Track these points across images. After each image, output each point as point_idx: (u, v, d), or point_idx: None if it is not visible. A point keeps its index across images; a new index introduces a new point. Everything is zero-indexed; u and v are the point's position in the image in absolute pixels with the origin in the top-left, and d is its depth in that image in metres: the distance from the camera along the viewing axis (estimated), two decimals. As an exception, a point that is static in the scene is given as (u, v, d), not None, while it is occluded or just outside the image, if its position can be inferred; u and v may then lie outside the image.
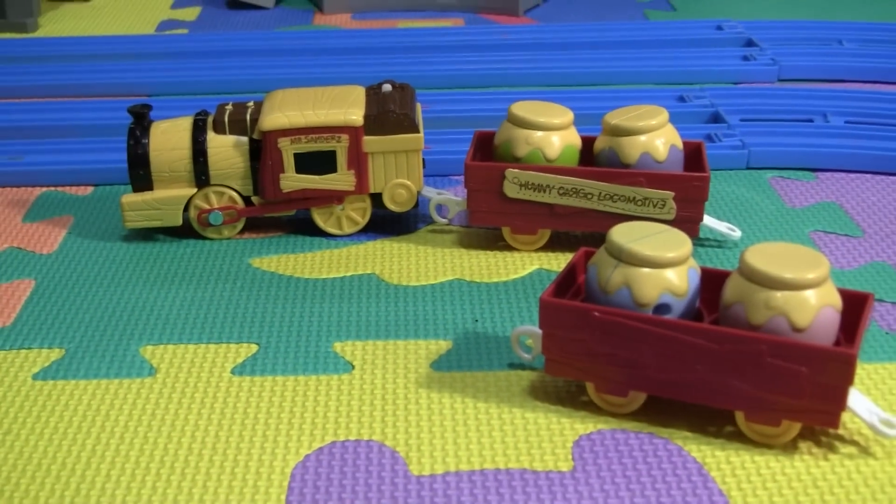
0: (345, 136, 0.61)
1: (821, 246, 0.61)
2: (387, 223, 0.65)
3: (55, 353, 0.53)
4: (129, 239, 0.63)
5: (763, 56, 0.90)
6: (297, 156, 0.61)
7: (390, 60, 0.90)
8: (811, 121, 0.78)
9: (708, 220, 0.61)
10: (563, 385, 0.50)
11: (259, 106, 0.63)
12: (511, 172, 0.60)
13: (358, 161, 0.61)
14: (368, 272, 0.60)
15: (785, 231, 0.63)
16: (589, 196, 0.59)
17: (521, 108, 0.60)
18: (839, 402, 0.43)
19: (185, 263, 0.61)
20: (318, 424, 0.48)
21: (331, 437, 0.47)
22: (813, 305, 0.43)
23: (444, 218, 0.64)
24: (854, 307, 0.46)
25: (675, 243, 0.47)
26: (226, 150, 0.62)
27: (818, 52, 0.91)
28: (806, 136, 0.74)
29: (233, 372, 0.51)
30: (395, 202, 0.63)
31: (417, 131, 0.62)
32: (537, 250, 0.62)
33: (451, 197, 0.64)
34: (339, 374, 0.51)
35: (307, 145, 0.61)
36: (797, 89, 0.84)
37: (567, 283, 0.49)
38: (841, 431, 0.46)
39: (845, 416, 0.45)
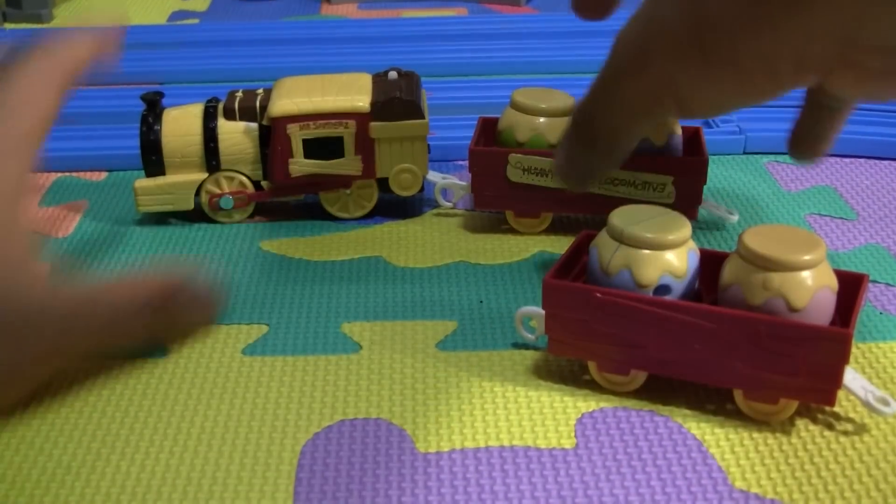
0: (352, 123, 0.61)
1: (816, 228, 0.62)
2: (393, 207, 0.66)
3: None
4: (143, 223, 0.64)
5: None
6: (305, 141, 0.62)
7: (396, 49, 0.91)
8: (807, 106, 0.78)
9: (707, 204, 0.61)
10: (565, 364, 0.51)
11: (268, 93, 0.64)
12: (514, 157, 0.60)
13: (365, 147, 0.62)
14: (376, 255, 0.61)
15: (781, 214, 0.64)
16: None
17: (524, 95, 0.61)
18: (835, 381, 0.44)
19: (198, 247, 0.62)
20: (327, 403, 0.49)
21: (339, 415, 0.48)
22: (809, 287, 0.44)
23: (448, 202, 0.65)
24: (849, 288, 0.47)
25: (675, 226, 0.47)
26: (236, 136, 0.63)
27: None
28: (802, 121, 0.75)
29: (244, 352, 0.52)
30: (401, 186, 0.64)
31: (423, 117, 0.62)
32: (540, 233, 0.62)
33: (455, 181, 0.65)
34: (347, 354, 0.52)
35: (315, 131, 0.61)
36: (794, 75, 0.84)
37: (569, 265, 0.50)
38: (837, 409, 0.47)
39: (841, 394, 0.46)
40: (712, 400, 0.48)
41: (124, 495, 0.43)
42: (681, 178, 0.59)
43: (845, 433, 0.46)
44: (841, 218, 0.63)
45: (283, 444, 0.46)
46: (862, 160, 0.71)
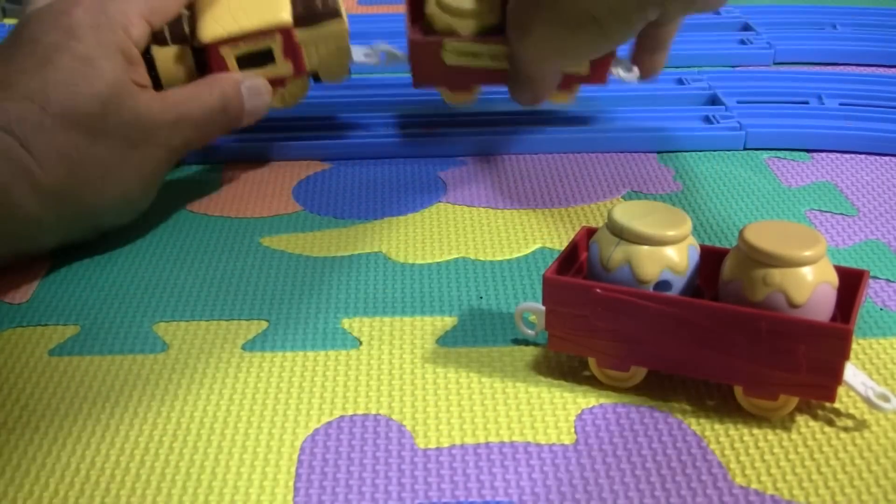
0: (278, 35, 0.65)
1: (816, 224, 0.62)
2: (393, 204, 0.66)
3: (71, 330, 0.54)
4: (142, 218, 0.64)
5: (759, 40, 0.91)
6: (238, 58, 0.65)
7: (396, 44, 0.90)
8: (806, 103, 0.78)
9: (614, 69, 0.69)
10: (565, 360, 0.51)
11: (192, 14, 0.66)
12: (450, 43, 0.66)
13: (293, 51, 0.66)
14: (375, 251, 0.60)
15: (781, 210, 0.64)
16: None
17: None
18: (835, 377, 0.44)
19: (198, 242, 0.62)
20: (326, 399, 0.49)
21: (339, 411, 0.48)
22: (810, 282, 0.44)
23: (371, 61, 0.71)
24: (850, 284, 0.47)
25: (676, 221, 0.48)
26: (172, 60, 0.65)
27: (813, 36, 0.92)
28: (801, 117, 0.75)
29: (243, 347, 0.52)
30: (331, 76, 0.68)
31: (341, 17, 0.66)
32: (540, 228, 0.62)
33: (387, 48, 0.71)
34: (346, 350, 0.52)
35: (246, 48, 0.65)
36: (793, 72, 0.84)
37: (569, 260, 0.50)
38: (837, 405, 0.47)
39: (841, 391, 0.46)
40: (712, 396, 0.48)
41: (123, 490, 0.43)
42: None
43: (846, 429, 0.46)
44: (841, 214, 0.63)
45: (282, 439, 0.46)
46: (862, 156, 0.71)
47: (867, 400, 0.45)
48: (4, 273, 0.58)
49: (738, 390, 0.47)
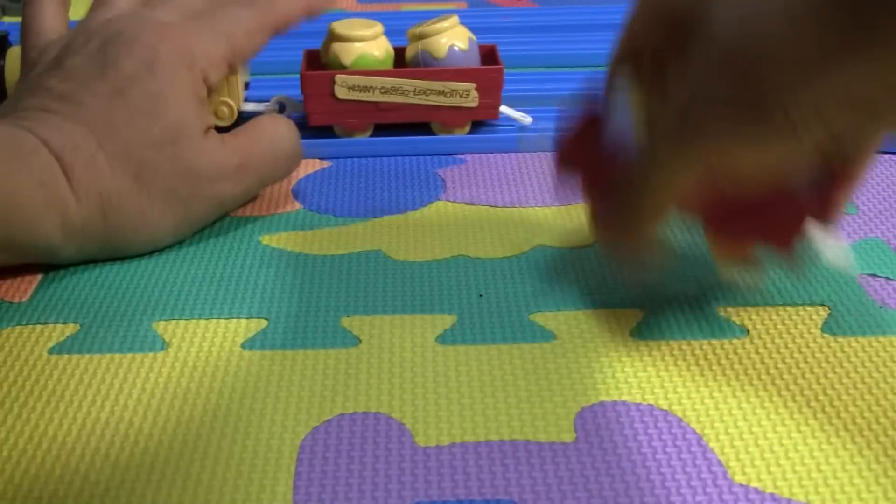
0: None
1: (816, 223, 0.62)
2: (393, 202, 0.66)
3: (70, 329, 0.54)
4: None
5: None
6: None
7: (394, 42, 0.91)
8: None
9: (504, 108, 0.71)
10: (564, 359, 0.51)
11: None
12: (340, 77, 0.68)
13: None
14: (375, 249, 0.60)
15: (781, 209, 0.64)
16: (406, 92, 0.69)
17: (342, 27, 0.70)
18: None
19: (197, 241, 0.62)
20: (326, 397, 0.49)
21: (339, 409, 0.48)
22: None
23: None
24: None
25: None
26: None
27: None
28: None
29: (243, 346, 0.52)
30: (219, 118, 0.67)
31: None
32: (540, 227, 0.62)
33: (275, 106, 0.72)
34: (346, 348, 0.52)
35: None
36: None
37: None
38: (837, 403, 0.47)
39: (842, 388, 0.47)
40: (713, 394, 0.48)
41: (123, 489, 0.43)
42: (482, 84, 0.69)
43: (845, 428, 0.46)
44: (841, 212, 0.64)
45: (282, 438, 0.46)
46: (861, 154, 0.71)
47: (826, 254, 0.50)
48: (4, 272, 0.58)
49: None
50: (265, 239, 0.62)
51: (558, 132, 0.53)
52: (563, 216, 0.63)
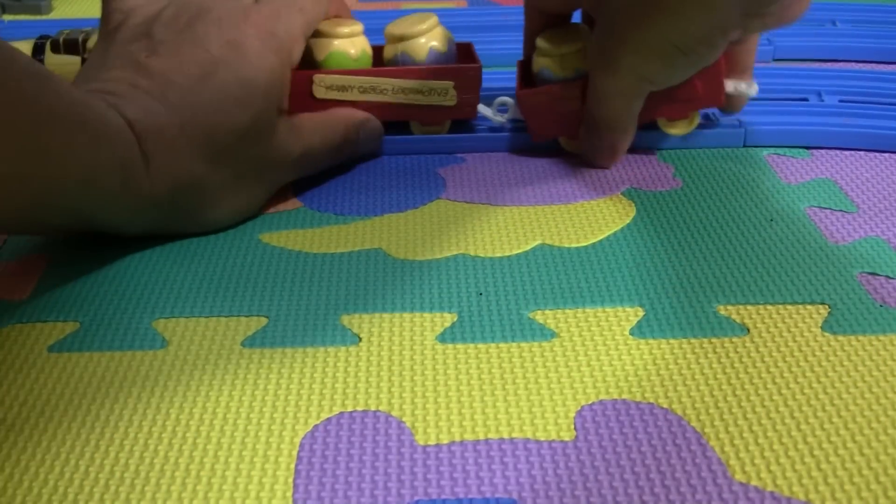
0: None
1: (816, 221, 0.62)
2: (393, 201, 0.66)
3: (70, 326, 0.54)
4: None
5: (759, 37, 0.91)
6: None
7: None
8: (806, 100, 0.78)
9: (481, 107, 0.71)
10: (564, 357, 0.51)
11: (92, 31, 0.72)
12: (318, 77, 0.67)
13: None
14: (375, 247, 0.60)
15: (781, 206, 0.64)
16: (384, 91, 0.68)
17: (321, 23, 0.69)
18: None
19: (197, 239, 0.62)
20: (326, 395, 0.49)
21: (339, 407, 0.48)
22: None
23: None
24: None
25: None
26: (61, 67, 0.69)
27: (812, 32, 0.92)
28: (801, 114, 0.75)
29: (243, 344, 0.52)
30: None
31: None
32: (539, 225, 0.62)
33: None
34: (346, 346, 0.52)
35: None
36: (792, 69, 0.84)
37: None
38: (837, 401, 0.47)
39: (841, 386, 0.47)
40: (713, 392, 0.48)
41: (123, 487, 0.43)
42: (460, 83, 0.69)
43: (845, 426, 0.46)
44: (841, 211, 0.63)
45: (281, 436, 0.46)
46: (862, 153, 0.71)
47: (737, 91, 0.67)
48: (3, 270, 0.58)
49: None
50: (265, 237, 0.62)
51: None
52: (563, 215, 0.63)
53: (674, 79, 0.65)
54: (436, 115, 0.71)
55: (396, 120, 0.71)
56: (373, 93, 0.69)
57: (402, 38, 0.70)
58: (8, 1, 1.05)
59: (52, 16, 1.05)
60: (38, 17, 1.04)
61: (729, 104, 0.70)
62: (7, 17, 1.04)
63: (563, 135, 0.71)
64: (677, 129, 0.71)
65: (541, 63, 0.70)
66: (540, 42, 0.69)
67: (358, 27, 0.70)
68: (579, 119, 0.69)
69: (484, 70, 0.70)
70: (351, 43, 0.69)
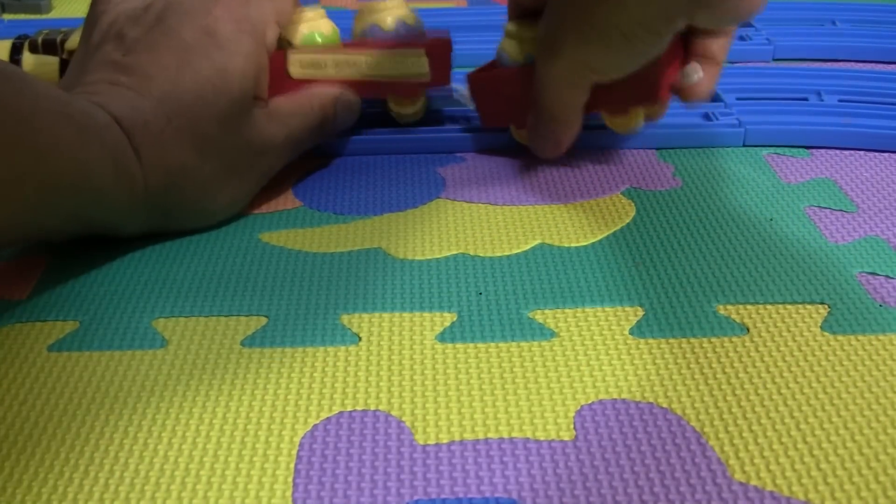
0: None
1: (816, 220, 0.62)
2: (393, 200, 0.66)
3: (70, 326, 0.54)
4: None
5: (758, 36, 0.90)
6: None
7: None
8: (806, 99, 0.78)
9: (457, 89, 0.73)
10: (564, 357, 0.51)
11: (70, 31, 0.72)
12: (293, 56, 0.67)
13: None
14: (375, 246, 0.60)
15: (780, 206, 0.64)
16: (358, 64, 0.68)
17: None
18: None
19: (197, 238, 0.62)
20: (325, 395, 0.49)
21: (338, 406, 0.48)
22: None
23: None
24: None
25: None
26: (39, 67, 0.70)
27: (812, 32, 0.92)
28: (801, 114, 0.75)
29: (242, 343, 0.52)
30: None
31: None
32: (539, 225, 0.62)
33: None
34: (346, 346, 0.52)
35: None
36: (792, 69, 0.84)
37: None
38: (837, 402, 0.47)
39: (841, 386, 0.47)
40: (712, 392, 0.48)
41: (122, 486, 0.43)
42: (431, 51, 0.69)
43: (844, 426, 0.46)
44: (840, 210, 0.63)
45: (281, 435, 0.46)
46: (861, 153, 0.71)
47: (685, 75, 0.65)
48: (3, 270, 0.58)
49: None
50: (265, 236, 0.62)
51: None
52: (563, 214, 0.63)
53: (616, 67, 0.62)
54: (411, 88, 0.71)
55: (373, 97, 0.71)
56: (347, 67, 0.68)
57: (371, 12, 0.70)
58: (8, 0, 1.05)
59: (52, 15, 1.05)
60: (37, 17, 1.04)
61: (683, 94, 0.67)
62: (7, 17, 1.04)
63: (510, 122, 0.71)
64: (618, 125, 0.69)
65: (502, 46, 0.69)
66: (508, 25, 0.68)
67: (321, 10, 0.70)
68: (527, 108, 0.68)
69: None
70: (321, 24, 0.69)
